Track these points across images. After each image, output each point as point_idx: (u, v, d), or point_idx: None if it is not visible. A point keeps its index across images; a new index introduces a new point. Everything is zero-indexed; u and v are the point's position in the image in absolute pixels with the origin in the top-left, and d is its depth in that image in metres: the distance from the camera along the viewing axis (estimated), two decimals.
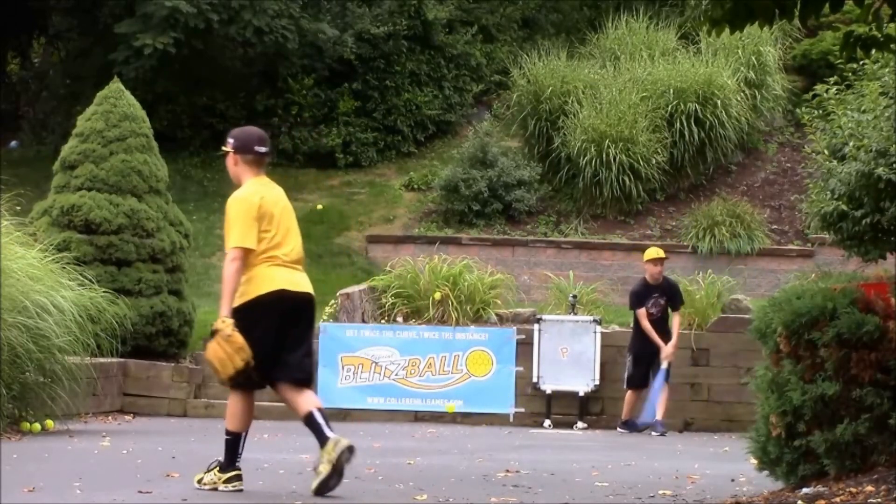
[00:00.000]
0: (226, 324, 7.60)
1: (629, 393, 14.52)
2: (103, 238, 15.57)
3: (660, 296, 14.50)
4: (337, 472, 7.66)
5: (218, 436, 11.82)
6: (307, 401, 7.91)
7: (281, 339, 7.84)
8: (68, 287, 12.56)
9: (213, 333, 7.68)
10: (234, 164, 8.17)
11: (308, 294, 7.98)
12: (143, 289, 15.67)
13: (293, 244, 8.00)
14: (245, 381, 7.88)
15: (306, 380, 8.08)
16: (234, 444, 7.89)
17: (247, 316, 7.70)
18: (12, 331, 11.61)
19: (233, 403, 7.96)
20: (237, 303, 7.75)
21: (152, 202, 16.02)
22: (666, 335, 14.36)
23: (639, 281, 14.92)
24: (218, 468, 7.90)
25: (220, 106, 23.68)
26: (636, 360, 14.46)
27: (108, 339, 12.92)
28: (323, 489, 7.63)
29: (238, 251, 7.75)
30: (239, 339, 7.60)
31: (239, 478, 7.87)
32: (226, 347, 7.61)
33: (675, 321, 14.55)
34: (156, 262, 15.90)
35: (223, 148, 8.29)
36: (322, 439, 7.78)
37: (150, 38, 21.02)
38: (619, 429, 14.44)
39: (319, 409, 7.95)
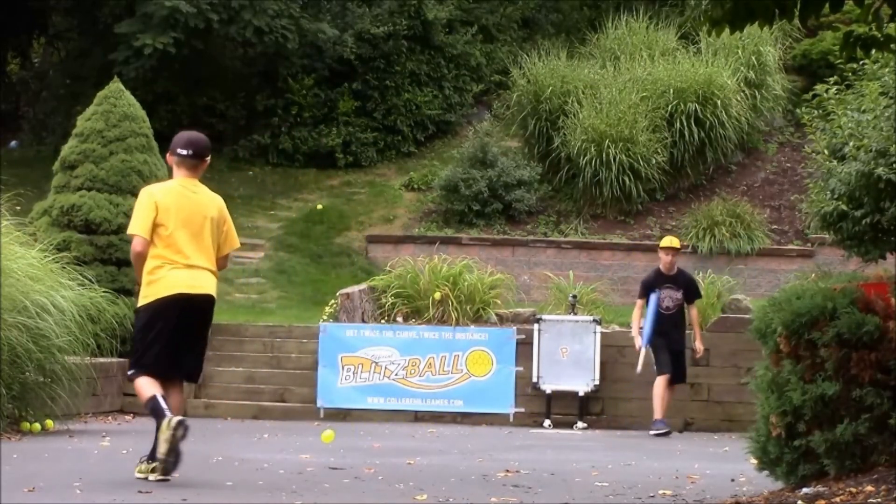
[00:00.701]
0: None
1: (663, 382, 14.08)
2: (103, 238, 15.57)
3: (675, 289, 14.30)
4: (174, 451, 7.98)
5: (218, 436, 11.87)
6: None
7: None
8: (68, 287, 12.56)
9: None
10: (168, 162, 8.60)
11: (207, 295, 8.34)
12: None
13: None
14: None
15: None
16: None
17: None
18: (12, 331, 11.61)
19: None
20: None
21: None
22: (680, 330, 14.20)
23: (652, 270, 14.65)
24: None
25: (220, 106, 23.69)
26: (655, 348, 14.17)
27: (108, 339, 12.92)
28: (166, 468, 8.00)
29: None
30: None
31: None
32: None
33: (694, 314, 14.42)
34: None
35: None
36: (159, 425, 8.11)
37: (150, 38, 21.03)
38: (653, 432, 13.85)
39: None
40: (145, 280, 8.22)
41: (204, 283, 8.24)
